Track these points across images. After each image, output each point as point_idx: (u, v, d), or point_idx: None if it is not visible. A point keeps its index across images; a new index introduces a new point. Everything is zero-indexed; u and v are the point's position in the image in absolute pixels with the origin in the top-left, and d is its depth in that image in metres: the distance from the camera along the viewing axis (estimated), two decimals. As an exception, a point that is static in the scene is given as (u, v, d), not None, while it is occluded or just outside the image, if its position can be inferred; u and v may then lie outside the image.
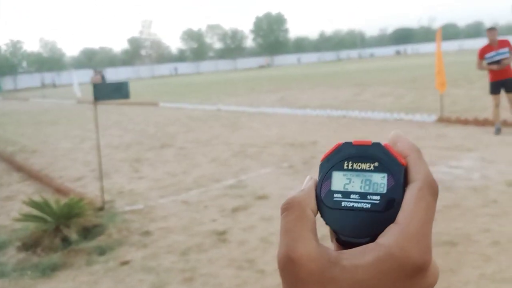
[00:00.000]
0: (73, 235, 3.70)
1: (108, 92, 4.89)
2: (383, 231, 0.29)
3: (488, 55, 6.96)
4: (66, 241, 3.67)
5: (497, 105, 7.06)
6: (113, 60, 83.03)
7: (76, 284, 3.15)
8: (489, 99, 10.85)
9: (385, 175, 0.31)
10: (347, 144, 0.33)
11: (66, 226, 3.76)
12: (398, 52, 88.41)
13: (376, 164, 0.31)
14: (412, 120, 8.65)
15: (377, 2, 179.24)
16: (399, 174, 0.30)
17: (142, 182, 5.91)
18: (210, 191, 5.17)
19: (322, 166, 0.33)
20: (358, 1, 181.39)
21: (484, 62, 7.05)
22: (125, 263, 3.39)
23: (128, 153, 8.01)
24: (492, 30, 7.08)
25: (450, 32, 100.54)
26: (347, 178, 0.32)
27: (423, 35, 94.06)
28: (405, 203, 0.29)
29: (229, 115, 12.71)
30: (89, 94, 5.70)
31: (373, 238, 0.29)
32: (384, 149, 0.32)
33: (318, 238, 0.30)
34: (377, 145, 0.32)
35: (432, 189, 0.30)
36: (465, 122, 7.77)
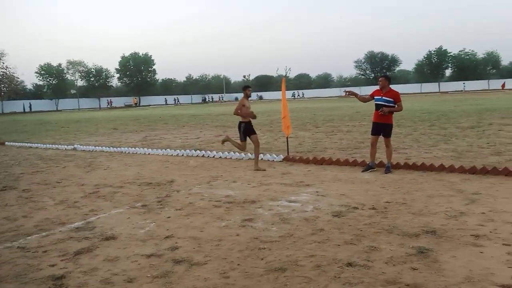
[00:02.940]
0: None
1: None
2: None
3: (376, 97, 7.68)
4: None
5: (371, 145, 7.71)
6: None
7: None
8: (328, 141, 12.35)
9: None
10: None
11: None
12: (260, 97, 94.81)
13: None
14: (263, 159, 9.36)
15: (241, 51, 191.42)
16: None
17: (-28, 229, 5.26)
18: (53, 235, 4.85)
19: None
20: (224, 49, 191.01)
21: (367, 97, 7.91)
22: None
23: (-42, 197, 7.05)
24: (381, 77, 7.76)
25: (304, 82, 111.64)
26: None
27: (281, 83, 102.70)
28: None
29: (86, 155, 12.09)
30: None
31: None
32: None
33: None
34: None
35: None
36: (307, 161, 8.71)
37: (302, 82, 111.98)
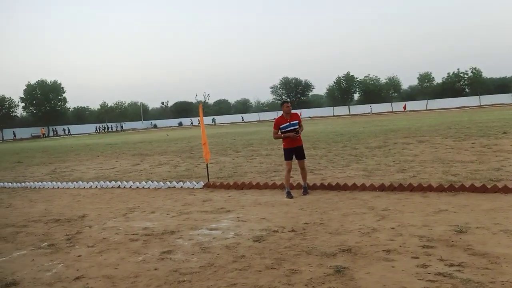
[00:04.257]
0: None
1: None
2: None
3: (282, 125, 7.71)
4: None
5: (288, 171, 7.71)
6: None
7: None
8: (248, 165, 12.45)
9: None
10: None
11: None
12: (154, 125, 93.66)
13: None
14: (183, 187, 9.15)
15: (160, 77, 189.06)
16: None
17: None
18: None
19: None
20: (142, 76, 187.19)
21: (279, 132, 7.72)
22: None
23: None
24: (286, 103, 7.75)
25: (223, 108, 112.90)
26: None
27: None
28: None
29: (-16, 192, 10.92)
30: None
31: None
32: None
33: None
34: None
35: None
36: (228, 187, 8.67)
37: (221, 107, 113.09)
